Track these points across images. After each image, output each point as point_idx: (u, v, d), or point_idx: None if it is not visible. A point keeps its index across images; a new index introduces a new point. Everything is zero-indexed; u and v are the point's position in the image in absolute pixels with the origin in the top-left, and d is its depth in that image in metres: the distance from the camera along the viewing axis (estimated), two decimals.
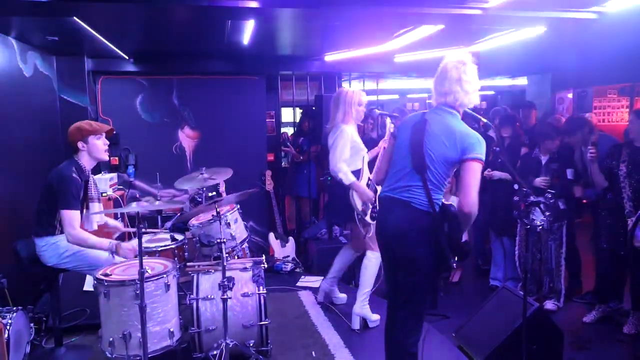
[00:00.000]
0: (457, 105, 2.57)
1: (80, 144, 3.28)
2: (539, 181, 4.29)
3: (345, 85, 7.30)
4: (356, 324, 3.89)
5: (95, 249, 3.22)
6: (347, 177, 3.74)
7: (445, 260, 2.45)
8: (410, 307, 2.61)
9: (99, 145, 3.33)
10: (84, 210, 3.35)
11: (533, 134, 4.98)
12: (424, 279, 2.55)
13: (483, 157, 2.43)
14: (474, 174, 2.39)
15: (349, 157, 3.81)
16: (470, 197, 2.37)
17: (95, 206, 3.41)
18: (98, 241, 3.21)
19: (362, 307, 3.88)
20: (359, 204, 3.77)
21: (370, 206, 3.81)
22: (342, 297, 4.38)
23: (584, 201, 4.54)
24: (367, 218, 3.81)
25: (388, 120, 3.54)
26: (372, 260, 3.85)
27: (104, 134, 3.36)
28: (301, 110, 7.20)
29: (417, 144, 2.55)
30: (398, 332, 2.64)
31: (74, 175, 3.19)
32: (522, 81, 8.91)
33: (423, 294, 2.59)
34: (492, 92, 10.72)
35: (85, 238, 3.16)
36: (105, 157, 3.38)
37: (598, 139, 4.13)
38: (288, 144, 6.79)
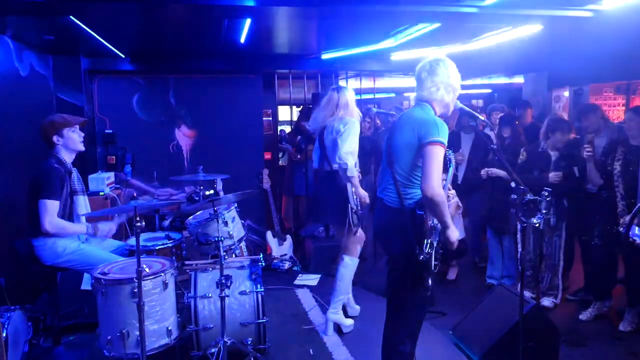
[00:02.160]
0: (432, 100, 2.61)
1: (55, 138, 3.29)
2: (552, 176, 4.28)
3: (342, 83, 7.30)
4: (330, 330, 3.79)
5: (76, 234, 3.31)
6: (351, 170, 3.60)
7: (416, 256, 2.46)
8: (395, 302, 2.72)
9: (75, 137, 3.34)
10: (70, 204, 3.37)
11: (531, 132, 4.97)
12: (408, 276, 2.60)
13: (442, 139, 2.43)
14: (432, 157, 2.41)
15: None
16: (430, 181, 2.37)
17: (80, 199, 3.43)
18: (75, 228, 3.29)
19: (336, 314, 3.80)
20: (352, 200, 3.68)
21: (360, 206, 3.73)
22: (356, 308, 4.17)
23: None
24: (355, 218, 3.69)
25: None
26: (349, 267, 3.78)
27: (77, 126, 3.36)
28: (298, 109, 7.20)
29: (389, 140, 2.68)
30: (387, 328, 2.75)
31: (56, 165, 3.21)
32: (518, 79, 8.92)
33: (407, 291, 2.63)
34: (488, 90, 10.73)
35: (64, 226, 3.21)
36: (81, 147, 3.39)
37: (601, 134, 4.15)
38: (284, 142, 6.78)
